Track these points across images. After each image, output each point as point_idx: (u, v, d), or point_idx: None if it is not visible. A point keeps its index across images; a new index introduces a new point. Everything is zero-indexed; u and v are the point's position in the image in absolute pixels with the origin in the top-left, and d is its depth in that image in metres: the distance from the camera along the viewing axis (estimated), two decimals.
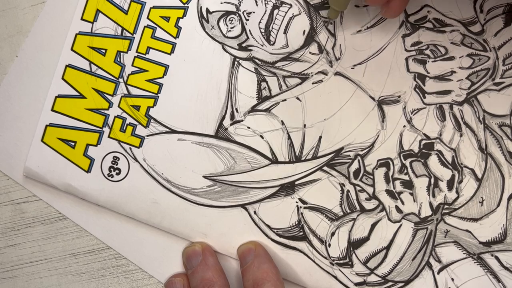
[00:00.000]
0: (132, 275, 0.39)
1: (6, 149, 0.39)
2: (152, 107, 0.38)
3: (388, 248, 0.37)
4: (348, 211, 0.37)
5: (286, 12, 0.37)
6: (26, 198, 0.39)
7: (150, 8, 0.37)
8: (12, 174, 0.39)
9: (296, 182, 0.37)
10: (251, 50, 0.37)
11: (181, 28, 0.37)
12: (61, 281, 0.39)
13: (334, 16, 0.35)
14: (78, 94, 0.38)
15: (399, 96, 0.37)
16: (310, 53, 0.37)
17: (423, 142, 0.36)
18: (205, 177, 0.38)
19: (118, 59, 0.38)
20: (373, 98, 0.37)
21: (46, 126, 0.38)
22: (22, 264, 0.39)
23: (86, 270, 0.39)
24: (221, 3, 0.37)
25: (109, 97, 0.38)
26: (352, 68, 0.37)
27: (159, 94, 0.38)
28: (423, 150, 0.36)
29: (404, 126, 0.37)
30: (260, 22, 0.37)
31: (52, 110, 0.38)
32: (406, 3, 0.33)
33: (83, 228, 0.39)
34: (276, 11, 0.37)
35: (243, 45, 0.37)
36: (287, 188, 0.37)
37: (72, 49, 0.38)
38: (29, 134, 0.38)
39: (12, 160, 0.39)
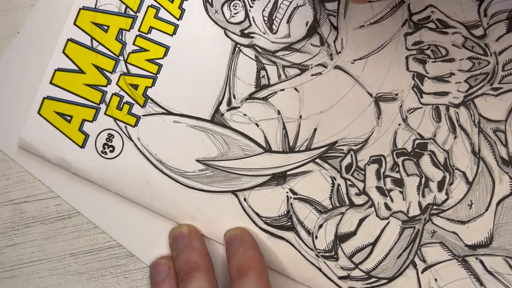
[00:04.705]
0: (131, 275, 0.39)
1: (2, 121, 0.39)
2: (150, 87, 0.38)
3: (374, 244, 0.37)
4: (337, 204, 0.37)
5: (290, 2, 0.37)
6: (26, 198, 0.39)
7: None
8: (6, 148, 0.39)
9: (288, 173, 0.37)
10: (253, 37, 0.37)
11: (184, 10, 0.37)
12: (61, 281, 0.39)
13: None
14: (77, 69, 0.38)
15: (397, 94, 0.37)
16: (311, 44, 0.37)
17: (417, 141, 0.37)
18: (198, 161, 0.38)
19: (120, 37, 0.38)
20: (370, 94, 0.37)
21: (44, 98, 0.38)
22: (22, 264, 0.40)
23: (86, 270, 0.39)
24: None
25: (108, 74, 0.38)
26: (352, 63, 0.37)
27: (158, 75, 0.38)
28: (416, 150, 0.37)
29: (399, 124, 0.37)
30: (264, 10, 0.37)
31: (51, 83, 0.38)
32: None
33: (74, 208, 0.39)
34: (280, 0, 0.37)
35: (245, 31, 0.37)
36: (279, 178, 0.37)
37: (74, 24, 0.38)
38: (27, 107, 0.38)
39: (8, 133, 0.39)
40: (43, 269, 0.39)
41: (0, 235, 0.40)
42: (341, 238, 0.37)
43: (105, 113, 0.38)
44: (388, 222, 0.37)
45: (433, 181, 0.36)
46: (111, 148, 0.38)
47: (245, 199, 0.38)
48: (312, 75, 0.37)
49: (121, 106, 0.38)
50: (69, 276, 0.39)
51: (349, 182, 0.37)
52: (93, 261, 0.39)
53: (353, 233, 0.37)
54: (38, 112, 0.38)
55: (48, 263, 0.39)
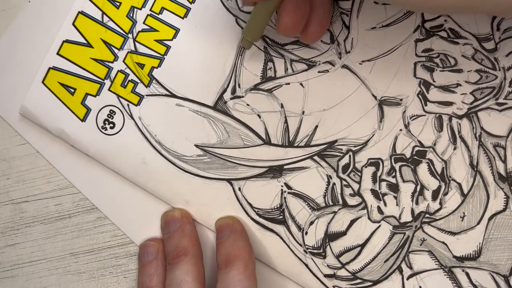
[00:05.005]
0: (131, 274, 0.39)
1: (7, 89, 0.39)
2: (157, 67, 0.38)
3: (363, 246, 0.37)
4: (331, 203, 0.37)
5: None
6: (26, 197, 0.39)
7: None
8: (7, 116, 0.39)
9: (285, 167, 0.37)
10: None
11: None
12: (61, 281, 0.39)
13: (247, 46, 0.34)
14: (85, 42, 0.38)
15: (401, 100, 0.37)
16: (321, 41, 0.37)
17: (416, 148, 0.36)
18: (196, 146, 0.38)
19: (131, 15, 0.38)
20: (375, 97, 0.37)
21: (49, 68, 0.38)
22: (22, 263, 0.40)
23: (86, 270, 0.39)
24: None
25: (116, 51, 0.38)
26: (360, 64, 0.37)
27: (165, 56, 0.38)
28: (415, 157, 0.37)
29: (401, 130, 0.37)
30: None
31: (58, 53, 0.38)
32: (325, 28, 0.34)
33: (70, 182, 0.39)
34: None
35: None
36: (275, 171, 0.37)
37: None
38: (32, 76, 0.38)
39: (11, 101, 0.39)
40: (43, 269, 0.39)
41: (0, 235, 0.40)
42: (330, 237, 0.37)
43: (109, 89, 0.38)
44: (379, 226, 0.37)
45: (428, 190, 0.36)
46: (111, 125, 0.38)
47: (239, 189, 0.38)
48: (319, 72, 0.37)
49: (125, 84, 0.38)
50: (69, 276, 0.39)
51: (344, 182, 0.37)
52: (93, 260, 0.39)
53: (343, 233, 0.37)
54: (43, 82, 0.38)
55: (48, 263, 0.39)
